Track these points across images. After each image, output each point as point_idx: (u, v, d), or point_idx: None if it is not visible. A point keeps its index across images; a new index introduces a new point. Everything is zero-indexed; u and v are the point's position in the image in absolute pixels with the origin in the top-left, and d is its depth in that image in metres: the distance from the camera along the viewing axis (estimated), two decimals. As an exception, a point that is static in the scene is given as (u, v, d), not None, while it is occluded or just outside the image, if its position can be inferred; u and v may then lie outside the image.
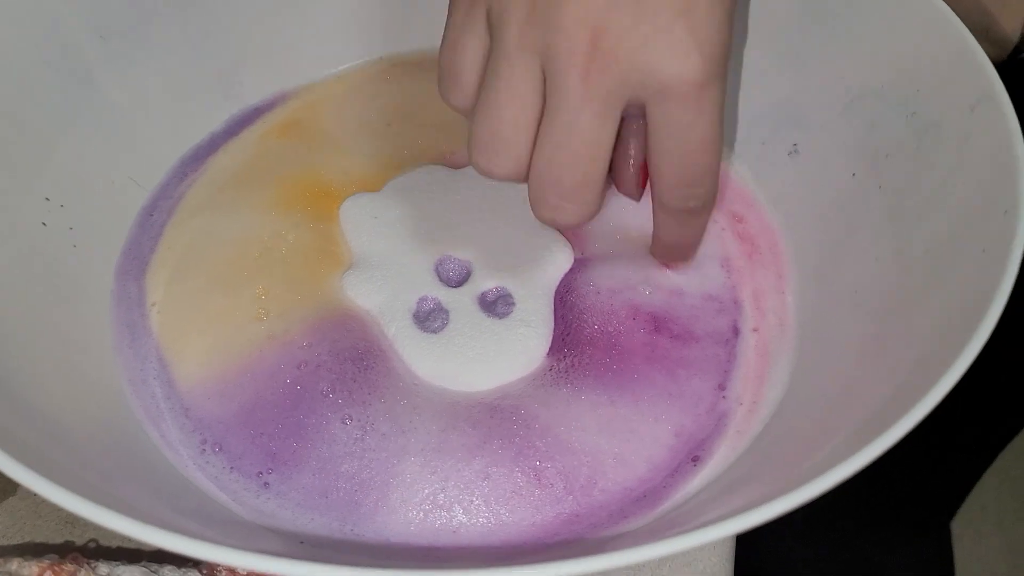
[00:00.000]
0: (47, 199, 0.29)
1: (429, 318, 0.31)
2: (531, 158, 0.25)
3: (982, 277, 0.23)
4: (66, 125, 0.31)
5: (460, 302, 0.31)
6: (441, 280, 0.32)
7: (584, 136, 0.24)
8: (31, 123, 0.30)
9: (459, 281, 0.32)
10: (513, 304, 0.31)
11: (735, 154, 0.36)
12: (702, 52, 0.23)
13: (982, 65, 0.27)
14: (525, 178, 0.25)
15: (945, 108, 0.29)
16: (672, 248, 0.30)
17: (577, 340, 0.30)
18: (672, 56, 0.23)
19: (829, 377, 0.28)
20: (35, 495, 0.29)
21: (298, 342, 0.30)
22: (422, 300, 0.31)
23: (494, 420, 0.28)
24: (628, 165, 0.28)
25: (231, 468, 0.27)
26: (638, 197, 0.30)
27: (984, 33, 0.41)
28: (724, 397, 0.30)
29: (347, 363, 0.29)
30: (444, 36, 0.26)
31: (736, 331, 0.31)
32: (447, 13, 0.26)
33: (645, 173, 0.28)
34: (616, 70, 0.23)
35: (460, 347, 0.30)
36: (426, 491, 0.27)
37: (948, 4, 0.29)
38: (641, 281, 0.32)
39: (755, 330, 0.32)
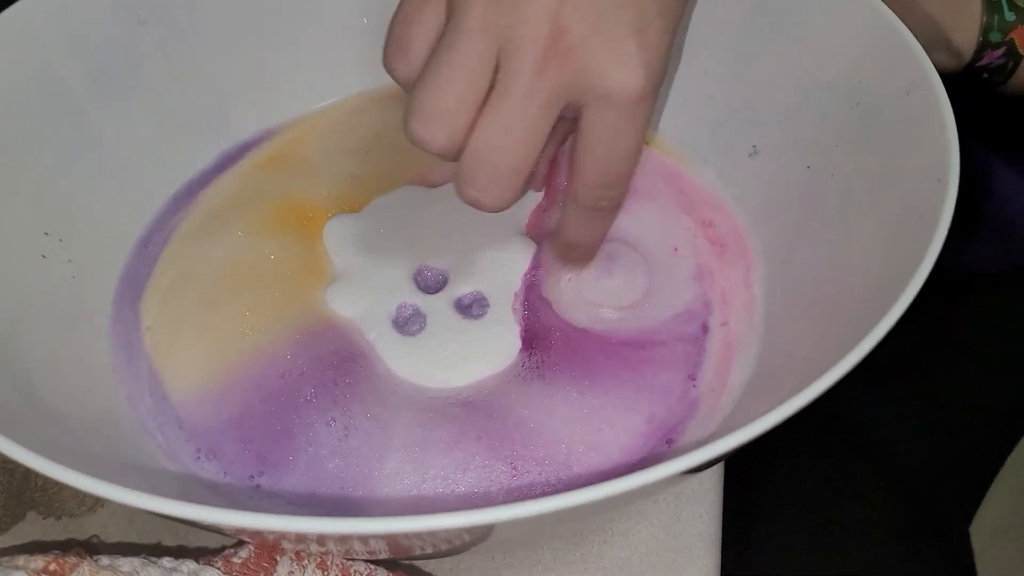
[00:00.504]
0: (46, 233, 0.31)
1: (408, 323, 0.32)
2: (468, 137, 0.25)
3: (917, 242, 0.25)
4: (62, 164, 0.33)
5: (437, 307, 0.32)
6: (419, 288, 0.33)
7: (527, 123, 0.25)
8: (30, 162, 0.32)
9: (436, 288, 0.33)
10: (488, 306, 0.32)
11: (702, 160, 0.38)
12: (647, 70, 0.25)
13: (914, 52, 0.29)
14: (454, 155, 0.26)
15: (884, 94, 0.30)
16: (574, 247, 0.31)
17: (548, 338, 0.32)
18: (621, 68, 0.25)
19: (794, 353, 0.30)
20: (44, 519, 0.31)
21: (282, 352, 0.31)
22: (401, 307, 0.33)
23: (470, 415, 0.29)
24: (541, 158, 0.29)
25: (224, 473, 0.29)
26: (540, 188, 0.35)
27: (942, 44, 0.42)
28: (695, 386, 0.31)
29: (329, 369, 0.31)
30: (399, 7, 0.27)
31: (705, 329, 0.33)
32: None
33: (551, 168, 0.32)
34: (569, 69, 0.24)
35: (437, 347, 0.31)
36: (408, 482, 0.28)
37: (906, 17, 0.30)
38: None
39: (724, 324, 0.33)
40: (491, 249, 0.34)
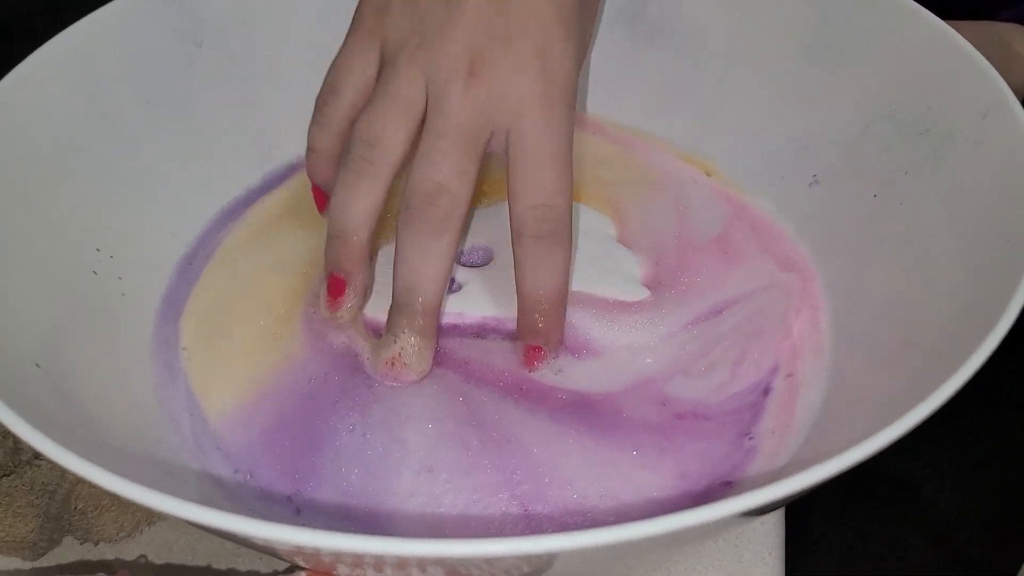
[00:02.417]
0: (98, 249, 0.31)
1: None
2: (403, 160, 0.28)
3: (1007, 264, 0.23)
4: (113, 183, 0.33)
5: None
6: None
7: (463, 131, 0.28)
8: (82, 181, 0.32)
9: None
10: None
11: (761, 191, 0.37)
12: (551, 82, 0.28)
13: (988, 75, 0.28)
14: (389, 179, 0.29)
15: (957, 120, 0.29)
16: (536, 304, 0.29)
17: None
18: (529, 82, 0.28)
19: (865, 390, 0.28)
20: (82, 544, 0.30)
21: (307, 357, 0.31)
22: None
23: (484, 447, 0.28)
24: None
25: (262, 496, 0.28)
26: None
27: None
28: (751, 438, 0.29)
29: (348, 371, 0.30)
30: (336, 58, 0.31)
31: (767, 392, 0.31)
32: (343, 41, 0.31)
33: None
34: (488, 88, 0.28)
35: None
36: (422, 502, 0.27)
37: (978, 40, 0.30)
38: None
39: (789, 375, 0.31)
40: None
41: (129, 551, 0.28)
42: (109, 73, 0.33)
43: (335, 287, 0.30)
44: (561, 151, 0.28)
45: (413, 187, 0.28)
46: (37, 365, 0.25)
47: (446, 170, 0.27)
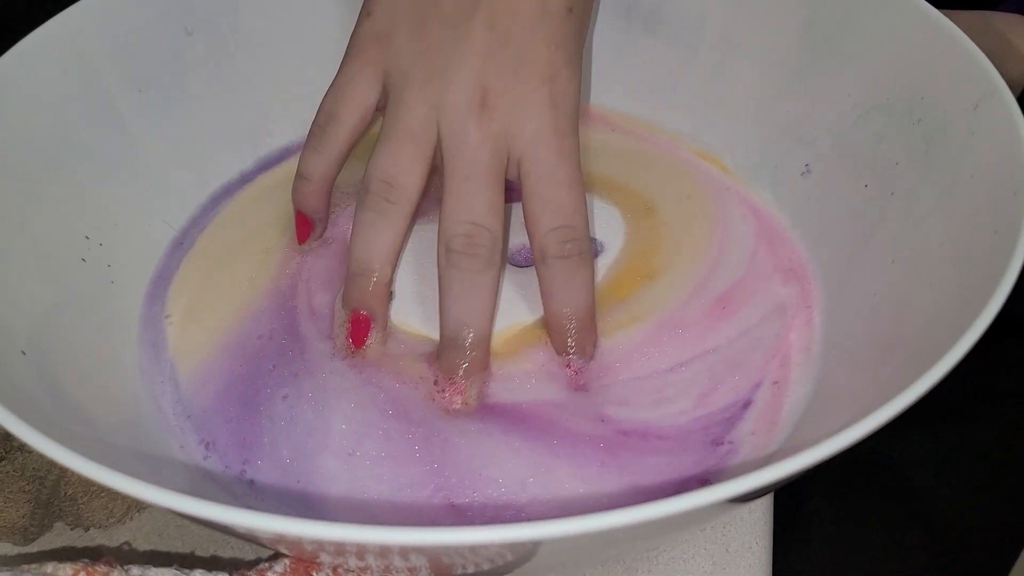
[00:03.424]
0: (87, 237, 0.31)
1: None
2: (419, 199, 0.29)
3: (995, 256, 0.23)
4: (103, 170, 0.33)
5: None
6: None
7: (486, 167, 0.28)
8: (72, 168, 0.31)
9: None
10: None
11: (755, 180, 0.37)
12: (561, 111, 0.29)
13: (981, 64, 0.28)
14: (409, 216, 0.29)
15: (950, 110, 0.29)
16: (567, 321, 0.30)
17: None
18: (540, 111, 0.28)
19: (853, 380, 0.28)
20: (72, 529, 0.30)
21: (263, 307, 0.32)
22: None
23: (404, 439, 0.28)
24: None
25: (225, 467, 0.28)
26: None
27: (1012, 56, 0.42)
28: (730, 443, 0.29)
29: (293, 334, 0.31)
30: (334, 84, 0.31)
31: (747, 405, 0.30)
32: (340, 66, 0.31)
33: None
34: (500, 118, 0.28)
35: None
36: (345, 487, 0.27)
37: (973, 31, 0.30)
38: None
39: (776, 383, 0.30)
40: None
41: (118, 537, 0.28)
42: (100, 60, 0.33)
43: (360, 326, 0.30)
44: (575, 175, 0.29)
45: (451, 231, 0.28)
46: (23, 352, 0.25)
47: (480, 209, 0.28)
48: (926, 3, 0.31)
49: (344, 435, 0.28)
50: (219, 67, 0.37)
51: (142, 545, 0.27)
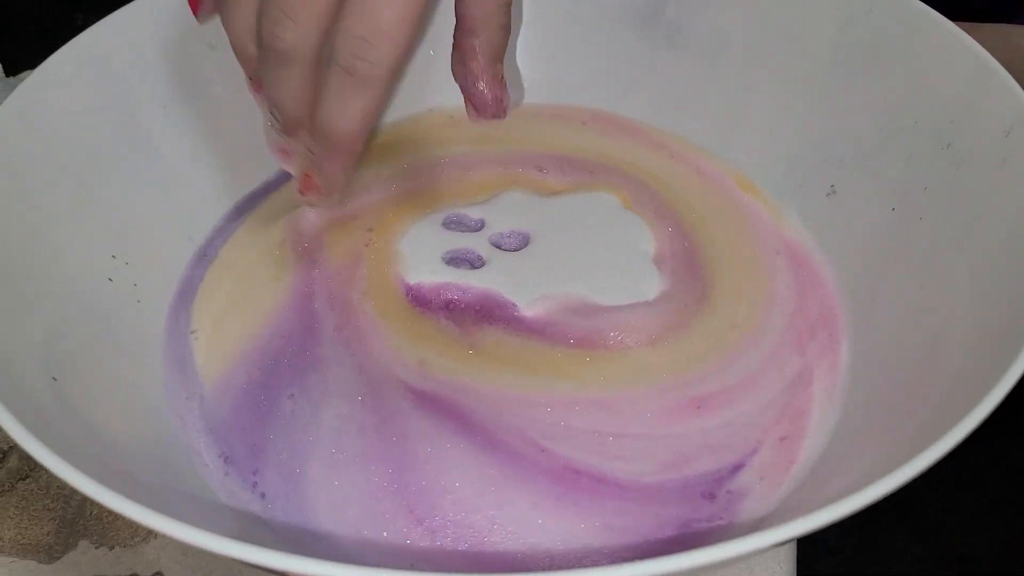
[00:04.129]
0: (113, 256, 0.31)
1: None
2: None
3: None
4: (128, 187, 0.32)
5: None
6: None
7: None
8: (99, 186, 0.31)
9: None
10: None
11: (779, 197, 0.37)
12: None
13: (1014, 91, 0.28)
14: (319, 43, 0.26)
15: (980, 136, 0.29)
16: (319, 138, 0.28)
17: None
18: None
19: (878, 418, 0.28)
20: (97, 548, 0.30)
21: (287, 306, 0.32)
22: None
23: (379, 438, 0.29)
24: None
25: (243, 482, 0.28)
26: None
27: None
28: (725, 491, 0.28)
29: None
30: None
31: (738, 468, 0.28)
32: None
33: None
34: None
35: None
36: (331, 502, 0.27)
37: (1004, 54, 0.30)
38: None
39: (783, 439, 0.29)
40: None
41: (144, 559, 0.28)
42: (127, 75, 0.33)
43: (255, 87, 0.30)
44: (414, 4, 0.25)
45: (264, 8, 0.26)
46: (54, 379, 0.25)
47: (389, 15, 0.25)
48: (958, 27, 0.31)
49: (331, 434, 0.29)
50: (243, 81, 0.37)
51: (172, 563, 0.27)
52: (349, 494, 0.27)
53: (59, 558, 0.31)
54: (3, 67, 0.43)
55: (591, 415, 0.29)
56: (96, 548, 0.31)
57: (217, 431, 0.30)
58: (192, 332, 0.32)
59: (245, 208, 0.37)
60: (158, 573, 0.27)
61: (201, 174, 0.35)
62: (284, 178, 0.38)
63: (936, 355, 0.26)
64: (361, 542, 0.26)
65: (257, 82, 0.29)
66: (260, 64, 0.27)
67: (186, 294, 0.34)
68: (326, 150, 0.28)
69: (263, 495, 0.28)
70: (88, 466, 0.19)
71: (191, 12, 0.32)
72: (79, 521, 0.31)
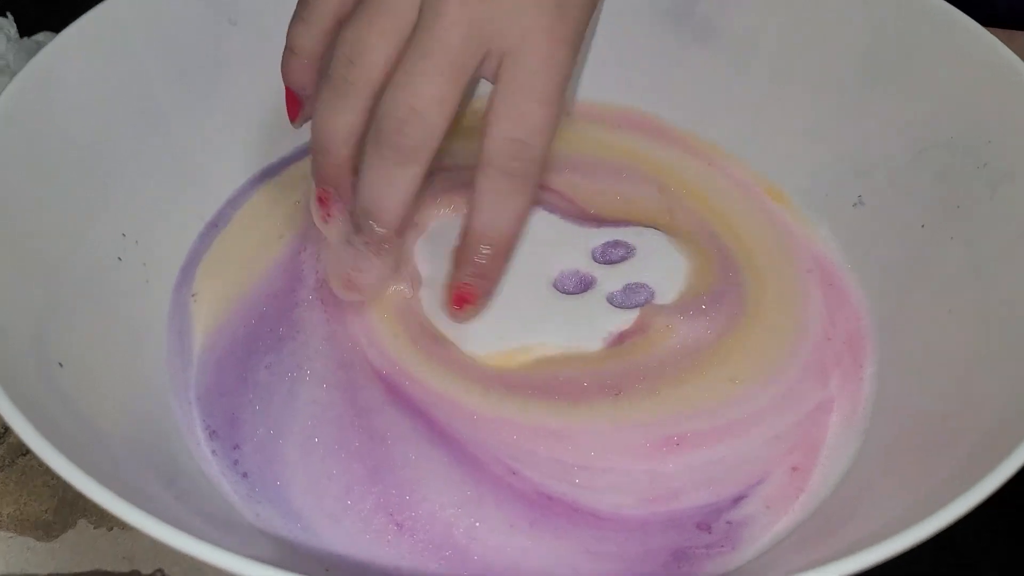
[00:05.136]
0: (123, 235, 0.30)
1: None
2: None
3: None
4: (141, 166, 0.32)
5: None
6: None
7: (451, 52, 0.25)
8: (110, 164, 0.31)
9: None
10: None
11: (805, 206, 0.36)
12: (563, 18, 0.26)
13: (1057, 114, 0.27)
14: (369, 99, 0.26)
15: (1019, 158, 0.28)
16: (482, 246, 0.28)
17: None
18: (539, 7, 0.26)
19: (896, 459, 0.27)
20: (96, 528, 0.30)
21: (275, 266, 0.32)
22: None
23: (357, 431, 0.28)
24: None
25: (232, 462, 0.28)
26: None
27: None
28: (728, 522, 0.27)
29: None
30: None
31: (739, 499, 0.27)
32: None
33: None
34: (490, 6, 0.25)
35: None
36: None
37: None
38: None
39: (795, 469, 0.28)
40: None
41: (141, 542, 0.28)
42: (142, 50, 0.32)
43: (322, 199, 0.29)
44: (555, 92, 0.26)
45: (386, 110, 0.26)
46: (60, 365, 0.24)
47: (425, 94, 0.25)
48: (1000, 42, 0.30)
49: (306, 419, 0.28)
50: (261, 56, 0.36)
51: (175, 571, 0.26)
52: (327, 487, 0.27)
53: (57, 537, 0.30)
54: (18, 28, 0.42)
55: (550, 444, 0.28)
56: (95, 528, 0.30)
57: (203, 399, 0.29)
58: (193, 295, 0.32)
59: (260, 180, 0.36)
60: (158, 570, 0.27)
61: (215, 149, 0.35)
62: (301, 153, 0.37)
63: (967, 388, 0.26)
64: (344, 538, 0.26)
65: (326, 198, 0.29)
66: (369, 164, 0.27)
67: (193, 262, 0.33)
68: (489, 254, 0.28)
69: (245, 475, 0.27)
70: (76, 454, 0.19)
71: (288, 118, 0.32)
72: (79, 501, 0.31)
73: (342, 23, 0.27)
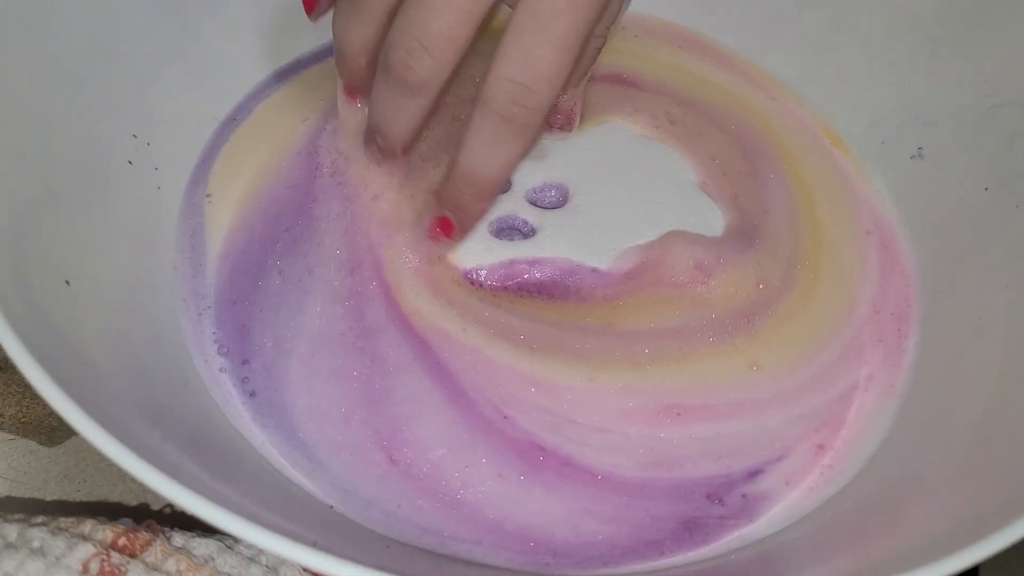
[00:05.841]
0: (135, 136, 0.28)
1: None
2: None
3: None
4: (159, 63, 0.29)
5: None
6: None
7: None
8: (127, 61, 0.28)
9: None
10: None
11: (857, 149, 0.34)
12: None
13: None
14: (388, 13, 0.25)
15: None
16: (467, 186, 0.27)
17: None
18: None
19: (935, 433, 0.26)
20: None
21: (293, 156, 0.31)
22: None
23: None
24: None
25: (240, 381, 0.27)
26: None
27: None
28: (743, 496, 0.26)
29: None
30: None
31: (754, 474, 0.27)
32: None
33: None
34: None
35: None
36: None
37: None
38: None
39: (820, 446, 0.27)
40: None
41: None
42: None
43: (349, 92, 0.29)
44: (573, 39, 0.24)
45: (394, 39, 0.24)
46: (67, 283, 0.23)
47: (435, 28, 0.24)
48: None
49: (311, 335, 0.28)
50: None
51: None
52: (328, 411, 0.26)
53: (61, 443, 0.30)
54: None
55: (543, 394, 0.27)
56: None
57: (214, 309, 0.28)
58: (208, 196, 0.30)
59: (283, 76, 0.34)
60: (167, 506, 0.26)
61: (232, 51, 0.32)
62: (318, 57, 0.34)
63: (1016, 367, 0.24)
64: (343, 467, 0.26)
65: (353, 91, 0.29)
66: (379, 87, 0.26)
67: (208, 160, 0.31)
68: (471, 195, 0.27)
69: (252, 393, 0.27)
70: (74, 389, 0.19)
71: (304, 11, 0.30)
72: (83, 408, 0.30)
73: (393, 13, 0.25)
